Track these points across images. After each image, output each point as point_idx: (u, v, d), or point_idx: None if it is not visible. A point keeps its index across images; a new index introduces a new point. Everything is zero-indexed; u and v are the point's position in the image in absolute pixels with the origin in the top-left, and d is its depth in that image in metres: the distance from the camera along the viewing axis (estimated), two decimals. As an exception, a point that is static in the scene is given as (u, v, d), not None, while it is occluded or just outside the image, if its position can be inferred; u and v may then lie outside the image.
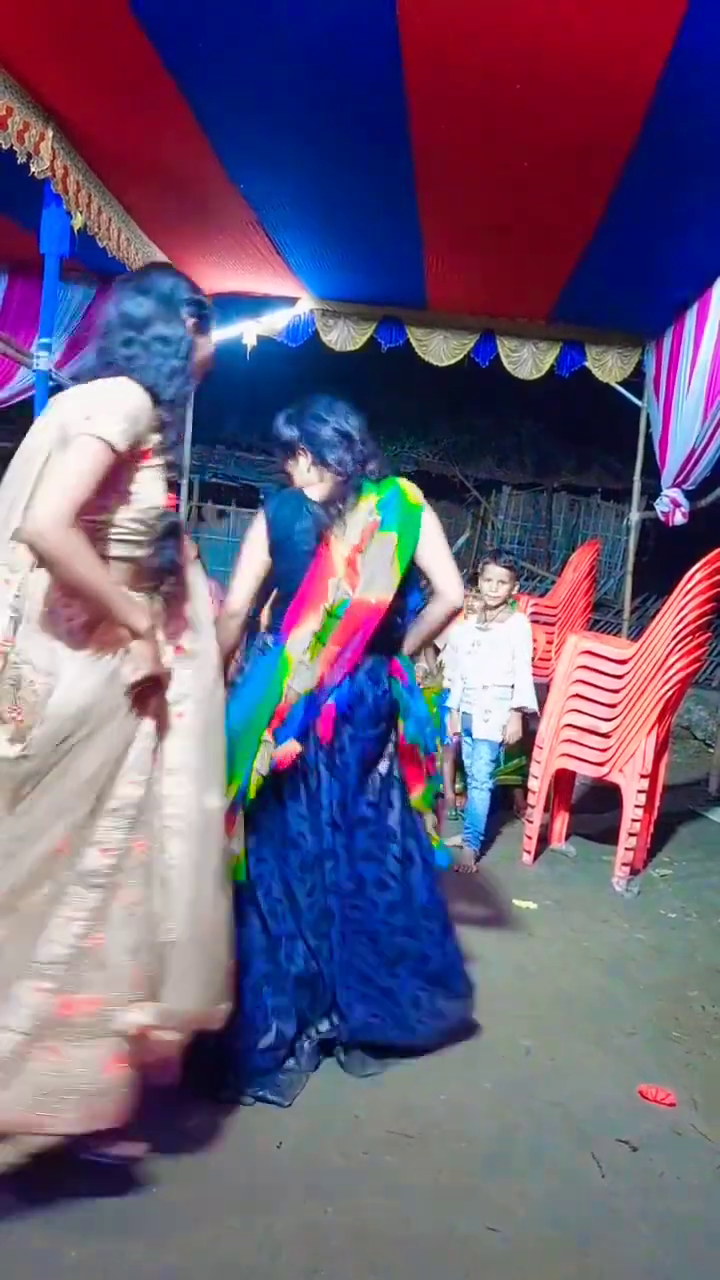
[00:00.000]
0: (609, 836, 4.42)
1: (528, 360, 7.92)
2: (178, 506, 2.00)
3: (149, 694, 1.90)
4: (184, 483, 9.52)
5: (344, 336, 7.99)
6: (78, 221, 5.56)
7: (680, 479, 6.92)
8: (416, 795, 2.65)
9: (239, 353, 8.28)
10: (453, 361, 7.91)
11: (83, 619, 1.88)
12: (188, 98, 4.68)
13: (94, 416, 1.82)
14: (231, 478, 15.27)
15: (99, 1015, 1.81)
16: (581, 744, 4.35)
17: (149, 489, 1.92)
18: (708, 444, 6.44)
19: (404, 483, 2.61)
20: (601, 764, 4.29)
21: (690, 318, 6.54)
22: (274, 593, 2.65)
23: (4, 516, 1.93)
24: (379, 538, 2.51)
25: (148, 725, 1.90)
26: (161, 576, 1.95)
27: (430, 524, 2.59)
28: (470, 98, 4.32)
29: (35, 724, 1.83)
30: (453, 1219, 1.96)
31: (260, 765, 2.41)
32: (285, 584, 2.57)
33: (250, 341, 8.20)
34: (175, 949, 1.91)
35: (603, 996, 3.09)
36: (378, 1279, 1.80)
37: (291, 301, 7.89)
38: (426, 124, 4.60)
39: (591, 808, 4.99)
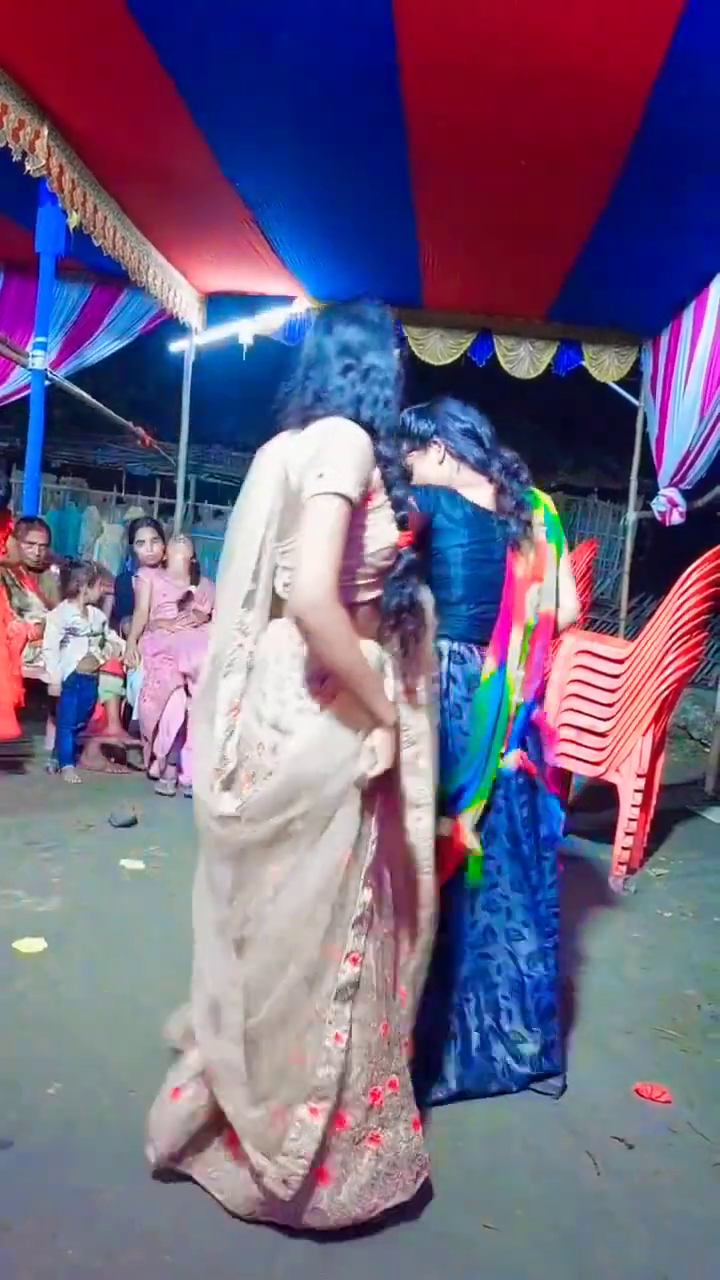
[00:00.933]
0: (605, 835, 4.42)
1: (525, 359, 7.92)
2: (413, 543, 1.93)
3: (378, 788, 1.85)
4: (180, 482, 9.54)
5: (341, 335, 7.97)
6: (73, 220, 5.55)
7: (677, 478, 6.93)
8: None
9: (235, 352, 8.27)
10: (449, 360, 7.91)
11: (324, 684, 1.84)
12: (184, 96, 4.68)
13: (327, 473, 1.74)
14: (228, 477, 15.27)
15: (402, 1091, 1.90)
16: (578, 743, 4.35)
17: (378, 530, 1.86)
18: (704, 443, 6.45)
19: (542, 495, 2.65)
20: (598, 763, 4.30)
21: (687, 317, 6.55)
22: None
23: (234, 581, 1.91)
24: (547, 548, 2.57)
25: (375, 829, 1.86)
26: (400, 616, 1.91)
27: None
28: (466, 97, 4.32)
29: (261, 778, 1.83)
30: (449, 1219, 1.96)
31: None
32: (445, 587, 2.51)
33: (247, 341, 8.19)
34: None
35: (599, 995, 3.09)
36: (375, 1279, 1.80)
37: (288, 300, 7.88)
38: (423, 123, 4.60)
39: (588, 806, 4.99)
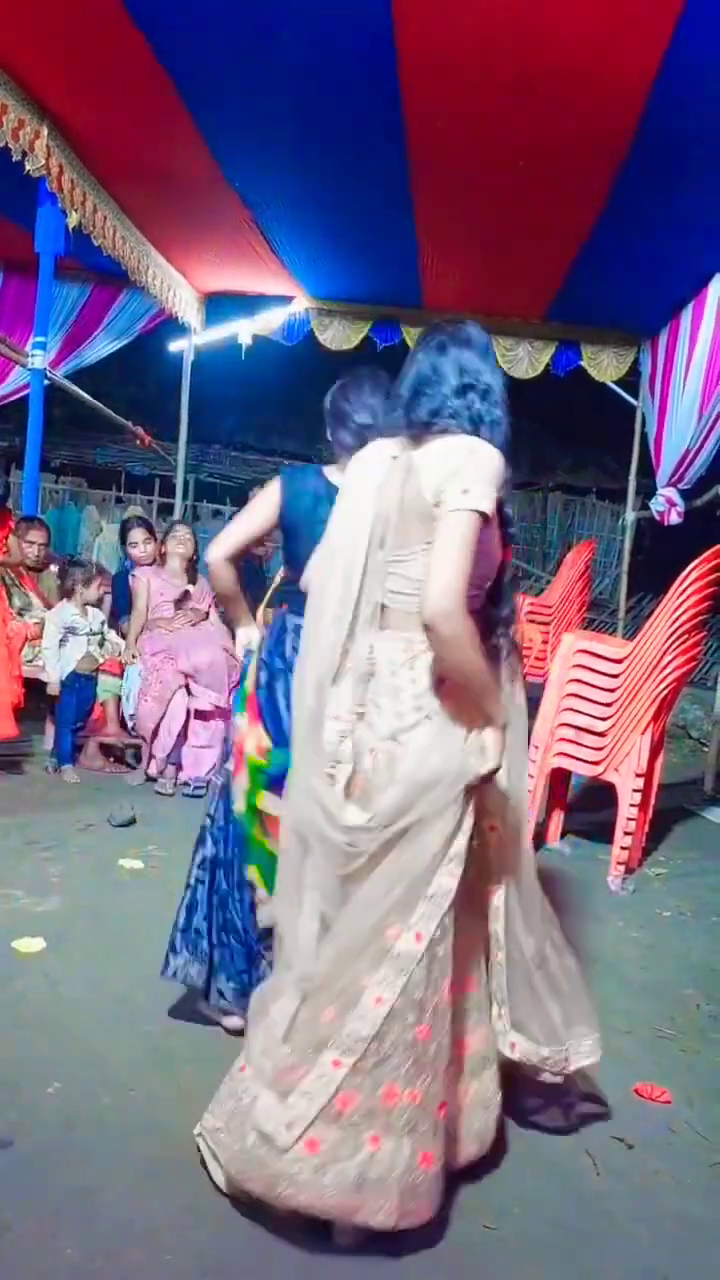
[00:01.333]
0: (604, 835, 4.42)
1: (523, 359, 7.92)
2: (512, 560, 2.00)
3: (484, 785, 1.91)
4: (179, 482, 9.53)
5: (339, 335, 7.98)
6: (73, 220, 5.54)
7: (675, 478, 6.93)
8: None
9: (234, 352, 8.27)
10: (448, 360, 7.89)
11: (437, 689, 1.88)
12: (184, 96, 4.68)
13: (471, 489, 1.80)
14: (227, 477, 15.27)
15: (421, 1109, 1.82)
16: (577, 743, 4.35)
17: (492, 544, 1.92)
18: (703, 443, 6.45)
19: None
20: (597, 763, 4.30)
21: (686, 316, 6.55)
22: (282, 569, 2.62)
23: (339, 590, 1.95)
24: None
25: (471, 819, 1.90)
26: (509, 622, 1.98)
27: None
28: (466, 97, 4.32)
29: (380, 790, 1.86)
30: (449, 1218, 1.96)
31: None
32: (297, 566, 2.46)
33: (246, 341, 8.19)
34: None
35: (598, 995, 3.08)
36: (374, 1278, 1.80)
37: (287, 300, 7.88)
38: (422, 123, 4.60)
39: (587, 806, 4.99)
